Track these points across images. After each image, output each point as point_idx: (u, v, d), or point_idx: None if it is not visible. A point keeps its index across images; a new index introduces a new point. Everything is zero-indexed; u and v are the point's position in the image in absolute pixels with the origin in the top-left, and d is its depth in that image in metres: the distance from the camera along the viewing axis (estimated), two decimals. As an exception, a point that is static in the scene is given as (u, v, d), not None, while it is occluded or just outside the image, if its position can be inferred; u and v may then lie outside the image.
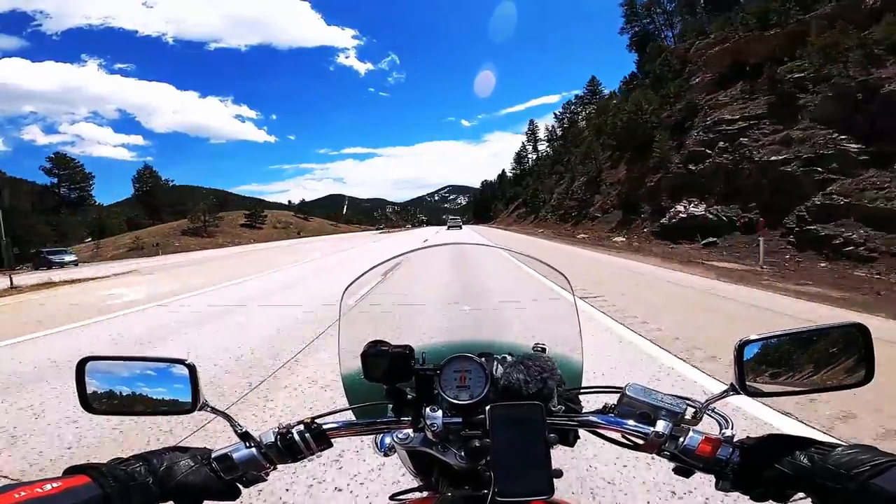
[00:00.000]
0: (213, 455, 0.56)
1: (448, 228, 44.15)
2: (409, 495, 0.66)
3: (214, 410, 0.59)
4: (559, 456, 1.18)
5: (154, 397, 0.60)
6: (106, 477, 0.46)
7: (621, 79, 44.36)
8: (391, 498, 0.67)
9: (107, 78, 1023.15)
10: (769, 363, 0.57)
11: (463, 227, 50.42)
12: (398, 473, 1.94)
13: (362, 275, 0.83)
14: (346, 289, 0.81)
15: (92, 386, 0.59)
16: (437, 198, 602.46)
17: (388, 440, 0.64)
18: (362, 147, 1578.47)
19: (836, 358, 0.56)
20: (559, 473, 0.51)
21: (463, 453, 0.56)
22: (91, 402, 0.59)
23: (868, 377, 0.54)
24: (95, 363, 0.60)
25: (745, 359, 0.55)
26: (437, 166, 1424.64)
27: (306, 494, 1.88)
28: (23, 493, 0.40)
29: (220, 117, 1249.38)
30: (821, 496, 0.45)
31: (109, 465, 0.49)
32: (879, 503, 0.41)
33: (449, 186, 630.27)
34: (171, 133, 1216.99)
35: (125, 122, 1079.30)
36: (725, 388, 0.57)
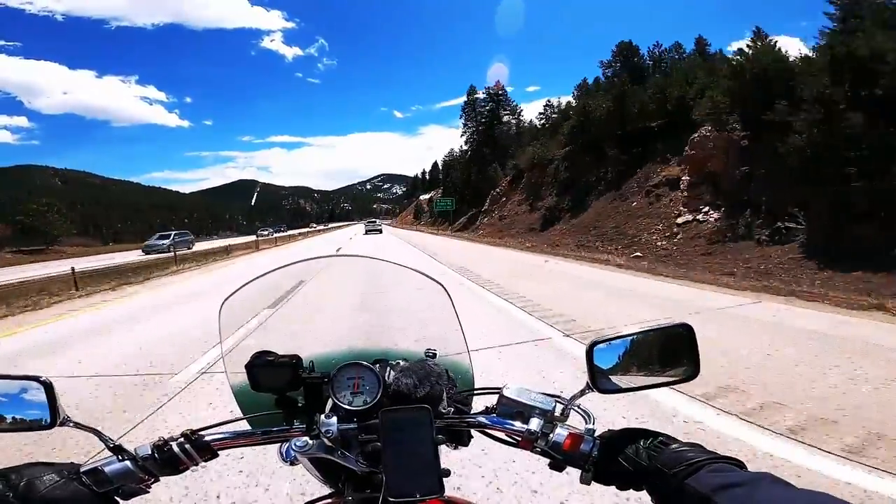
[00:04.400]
0: (83, 469, 0.57)
1: (366, 233, 44.20)
2: (321, 503, 0.70)
3: (78, 425, 0.61)
4: (475, 456, 1.72)
5: (8, 414, 0.61)
6: None
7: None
8: None
9: None
10: (616, 362, 0.64)
11: (384, 230, 50.15)
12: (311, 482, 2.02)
13: (240, 287, 0.84)
14: (224, 301, 0.82)
15: None
16: (369, 187, 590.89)
17: (291, 451, 0.67)
18: (291, 136, 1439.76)
19: (670, 355, 0.66)
20: (447, 473, 0.57)
21: (361, 457, 0.62)
22: None
23: (696, 370, 0.64)
24: None
25: (594, 359, 0.63)
26: (371, 157, 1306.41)
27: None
28: None
29: (122, 98, 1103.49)
30: (654, 494, 0.51)
31: None
32: (691, 502, 0.45)
33: (383, 175, 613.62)
34: (63, 115, 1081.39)
35: (6, 103, 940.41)
36: (583, 387, 0.64)
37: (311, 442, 0.63)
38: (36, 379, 0.61)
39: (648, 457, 0.53)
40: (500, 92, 56.26)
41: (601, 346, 0.64)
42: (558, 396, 0.67)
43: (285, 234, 57.27)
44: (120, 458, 0.61)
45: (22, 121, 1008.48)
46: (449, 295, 0.86)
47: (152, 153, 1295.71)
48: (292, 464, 0.69)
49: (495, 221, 35.97)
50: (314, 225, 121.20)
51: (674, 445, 0.53)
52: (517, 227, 30.34)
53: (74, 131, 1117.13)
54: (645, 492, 0.54)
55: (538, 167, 32.03)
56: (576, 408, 0.66)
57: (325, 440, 0.62)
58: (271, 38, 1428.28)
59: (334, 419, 0.63)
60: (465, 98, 57.21)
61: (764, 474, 0.45)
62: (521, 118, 55.61)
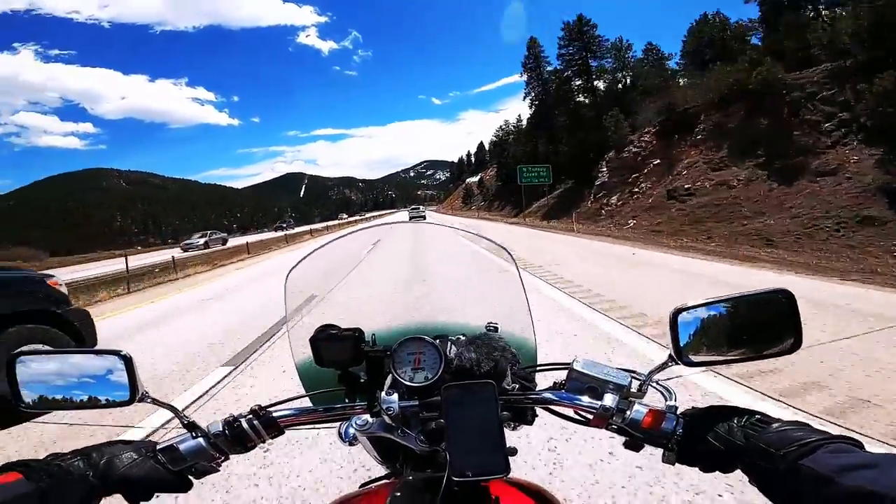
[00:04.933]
0: (159, 447, 0.58)
1: (410, 219, 41.69)
2: (378, 483, 0.70)
3: (156, 402, 0.62)
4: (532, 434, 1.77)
5: (89, 390, 0.62)
6: (39, 472, 0.47)
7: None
8: (361, 486, 0.72)
9: (43, 66, 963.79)
10: (702, 331, 0.59)
11: (427, 215, 48.89)
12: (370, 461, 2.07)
13: (305, 257, 0.86)
14: (289, 272, 0.83)
15: (24, 381, 0.62)
16: (412, 174, 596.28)
17: (350, 430, 0.67)
18: (333, 128, 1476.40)
19: (766, 324, 0.59)
20: (514, 451, 0.55)
21: (422, 436, 0.60)
22: (24, 398, 0.61)
23: (797, 342, 0.58)
24: (28, 357, 0.62)
25: (679, 328, 0.58)
26: (412, 145, 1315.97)
27: (273, 484, 2.03)
28: None
29: (175, 100, 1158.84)
30: (752, 474, 0.48)
31: (44, 461, 0.50)
32: (808, 484, 0.42)
33: (426, 162, 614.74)
34: (124, 119, 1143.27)
35: (70, 110, 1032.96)
36: (665, 359, 0.60)
37: (371, 420, 0.62)
38: (117, 353, 0.61)
39: (745, 436, 0.50)
40: (587, 28, 38.46)
41: (686, 314, 0.59)
42: (633, 371, 0.63)
43: (292, 230, 46.40)
44: (194, 434, 0.61)
45: (88, 126, 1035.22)
46: (516, 263, 0.85)
47: (207, 152, 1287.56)
48: (351, 444, 0.69)
49: (637, 202, 21.54)
50: (343, 216, 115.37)
51: (775, 425, 0.49)
52: (717, 214, 15.64)
53: (135, 134, 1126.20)
54: (729, 474, 0.52)
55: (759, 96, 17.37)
56: (654, 384, 0.63)
57: (386, 418, 0.61)
58: (306, 33, 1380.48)
59: (395, 396, 0.61)
60: (524, 55, 45.43)
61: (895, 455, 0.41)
62: (627, 60, 38.87)
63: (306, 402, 0.72)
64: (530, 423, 0.68)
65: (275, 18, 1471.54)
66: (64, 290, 3.85)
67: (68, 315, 3.68)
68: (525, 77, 45.63)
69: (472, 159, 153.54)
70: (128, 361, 0.61)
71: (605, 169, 26.63)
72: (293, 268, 0.83)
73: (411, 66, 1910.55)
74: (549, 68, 44.33)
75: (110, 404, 0.63)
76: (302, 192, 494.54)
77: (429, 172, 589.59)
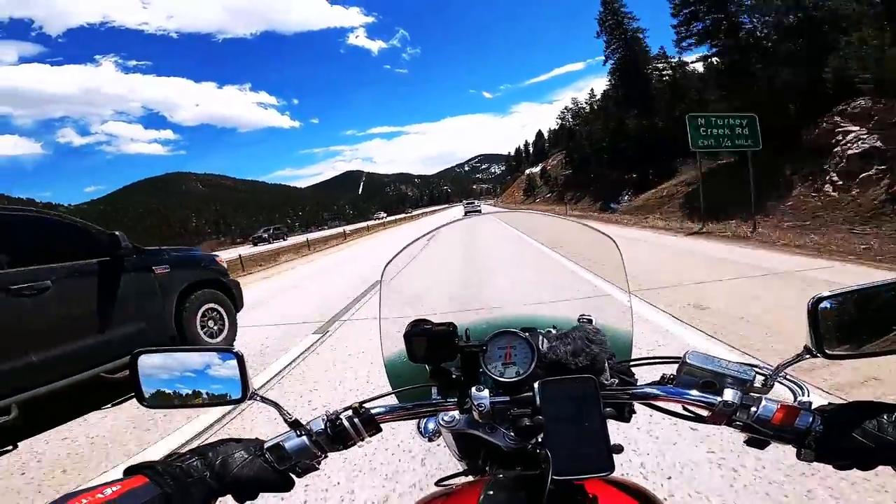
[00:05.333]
0: (266, 445, 0.59)
1: (465, 214, 37.93)
2: (456, 479, 0.68)
3: (264, 399, 0.63)
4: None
5: (204, 388, 0.64)
6: (163, 476, 0.49)
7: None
8: (437, 483, 0.69)
9: (124, 77, 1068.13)
10: (844, 322, 0.55)
11: (483, 210, 46.11)
12: (444, 458, 2.01)
13: (401, 251, 0.86)
14: (385, 266, 0.82)
15: (145, 379, 0.64)
16: (467, 168, 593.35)
17: (431, 424, 0.67)
18: (388, 126, 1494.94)
19: None
20: (619, 449, 0.52)
21: (512, 433, 0.57)
22: (145, 396, 0.64)
23: None
24: (147, 357, 0.64)
25: (819, 318, 0.54)
26: (465, 140, 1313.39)
27: (350, 480, 2.02)
28: (84, 501, 0.43)
29: (242, 106, 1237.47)
30: None
31: (165, 462, 0.52)
32: None
33: (480, 156, 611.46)
34: (199, 125, 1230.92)
35: (152, 118, 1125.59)
36: (799, 351, 0.56)
37: (458, 417, 0.61)
38: (230, 351, 0.63)
39: None
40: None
41: (828, 303, 0.55)
42: (756, 366, 0.59)
43: (283, 241, 38.11)
44: (297, 433, 0.61)
45: (168, 133, 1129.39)
46: (620, 251, 0.83)
47: (273, 153, 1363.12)
48: (430, 439, 0.69)
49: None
50: (382, 215, 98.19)
51: None
52: None
53: (210, 139, 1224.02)
54: (869, 471, 0.50)
55: None
56: (783, 378, 0.59)
57: (475, 414, 0.59)
58: (355, 34, 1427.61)
59: (486, 392, 0.59)
60: (599, 12, 35.51)
61: None
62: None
63: (393, 398, 0.72)
64: (627, 420, 0.65)
65: (324, 22, 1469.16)
66: (225, 265, 5.22)
67: (229, 283, 4.96)
68: (603, 37, 35.49)
69: (531, 149, 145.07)
70: (240, 359, 0.62)
71: (851, 130, 13.67)
72: (389, 262, 0.84)
73: (460, 61, 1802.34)
74: (633, 25, 35.06)
75: (223, 402, 0.64)
76: (360, 190, 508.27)
77: (483, 166, 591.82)
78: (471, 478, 0.68)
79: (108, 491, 0.45)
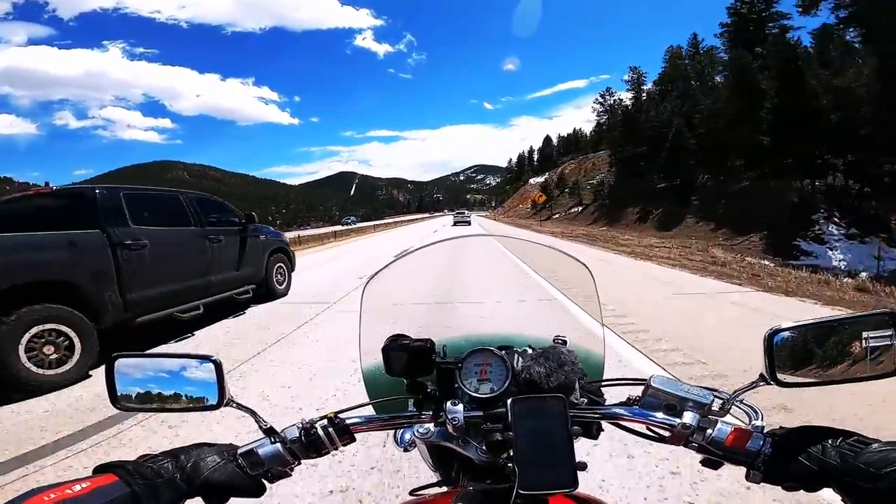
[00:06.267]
0: (240, 451, 0.61)
1: (454, 224, 40.96)
2: (429, 490, 0.71)
3: (240, 406, 0.65)
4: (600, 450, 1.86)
5: (181, 393, 0.65)
6: (133, 475, 0.50)
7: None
8: (411, 493, 0.71)
9: (129, 63, 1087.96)
10: (798, 353, 0.60)
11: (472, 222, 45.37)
12: (418, 468, 2.04)
13: (384, 267, 0.91)
14: (366, 283, 0.87)
15: (121, 382, 0.65)
16: (462, 178, 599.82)
17: (407, 435, 0.70)
18: (388, 130, 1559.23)
19: (868, 347, 0.59)
20: (583, 466, 0.55)
21: (484, 447, 0.61)
22: (120, 399, 0.65)
23: None
24: (125, 360, 0.66)
25: (774, 348, 0.59)
26: (463, 149, 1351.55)
27: (326, 490, 2.01)
28: (52, 496, 0.44)
29: (243, 99, 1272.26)
30: (850, 493, 0.48)
31: (137, 462, 0.53)
32: None
33: (476, 166, 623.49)
34: (198, 116, 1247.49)
35: (152, 106, 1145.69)
36: (755, 378, 0.60)
37: (433, 429, 0.63)
38: (208, 358, 0.64)
39: (841, 456, 0.51)
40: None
41: (784, 334, 0.60)
42: (715, 390, 0.63)
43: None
44: (272, 440, 0.63)
45: (166, 122, 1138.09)
46: (593, 277, 0.89)
47: (270, 149, 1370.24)
48: (406, 450, 0.73)
49: None
50: (352, 219, 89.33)
51: (875, 445, 0.50)
52: None
53: (208, 130, 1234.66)
54: (817, 492, 0.53)
55: None
56: (739, 403, 0.63)
57: (449, 427, 0.62)
58: (363, 36, 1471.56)
59: (460, 407, 0.62)
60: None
61: None
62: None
63: (370, 409, 0.74)
64: (595, 437, 0.68)
65: (333, 21, 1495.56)
66: (287, 239, 7.92)
67: (289, 251, 7.53)
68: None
69: (537, 155, 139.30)
70: (218, 366, 0.64)
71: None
72: (370, 278, 0.90)
73: (464, 70, 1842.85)
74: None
75: (199, 407, 0.65)
76: (352, 191, 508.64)
77: (479, 177, 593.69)
78: (445, 489, 0.70)
79: (77, 487, 0.46)
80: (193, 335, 5.04)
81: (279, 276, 7.06)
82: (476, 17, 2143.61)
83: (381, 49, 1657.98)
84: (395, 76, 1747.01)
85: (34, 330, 3.37)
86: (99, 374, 3.71)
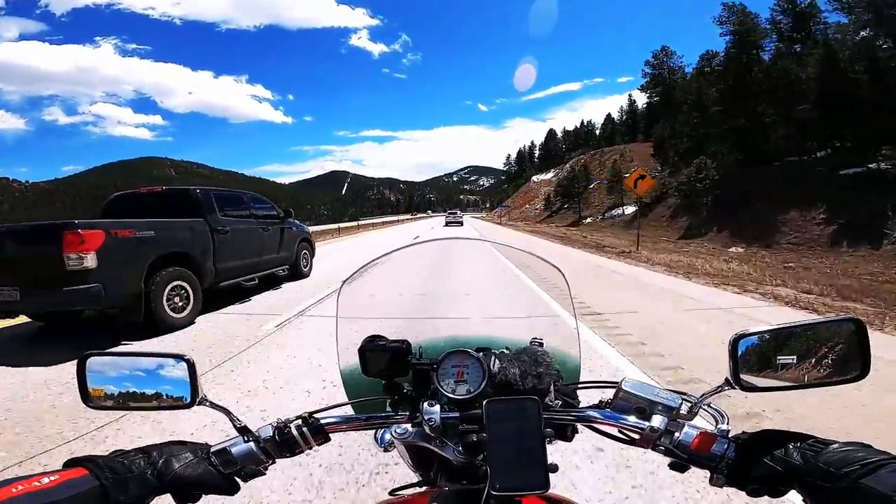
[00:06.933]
0: (213, 449, 0.61)
1: (446, 224, 41.30)
2: (409, 490, 0.72)
3: (213, 405, 0.65)
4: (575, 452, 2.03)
5: (154, 392, 0.66)
6: (103, 469, 0.51)
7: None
8: (391, 493, 0.73)
9: (121, 59, 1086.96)
10: (763, 358, 0.62)
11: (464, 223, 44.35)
12: (399, 468, 2.11)
13: (360, 269, 0.92)
14: (342, 284, 0.88)
15: (92, 381, 0.65)
16: (455, 178, 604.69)
17: (387, 435, 0.70)
18: (381, 130, 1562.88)
19: (831, 352, 0.61)
20: (554, 468, 0.55)
21: (460, 448, 0.61)
22: (91, 398, 0.65)
23: (864, 371, 0.60)
24: (97, 358, 0.66)
25: (739, 353, 0.61)
26: (457, 150, 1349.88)
27: (306, 489, 2.06)
28: (20, 488, 0.44)
29: (236, 97, 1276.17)
30: (811, 494, 0.49)
31: (108, 457, 0.54)
32: (869, 503, 0.44)
33: (470, 167, 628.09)
34: (190, 113, 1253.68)
35: (143, 103, 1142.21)
36: (720, 383, 0.61)
37: (410, 429, 0.64)
38: (181, 357, 0.65)
39: (803, 457, 0.51)
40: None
41: (749, 339, 0.62)
42: (684, 394, 0.65)
43: None
44: (245, 438, 0.64)
45: (157, 119, 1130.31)
46: (566, 280, 0.90)
47: (263, 147, 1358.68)
48: (386, 450, 0.75)
49: None
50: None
51: (834, 446, 0.51)
52: None
53: (199, 128, 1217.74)
54: (782, 497, 0.54)
55: None
56: (706, 406, 0.64)
57: (426, 428, 0.62)
58: (358, 35, 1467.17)
59: (437, 407, 0.63)
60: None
61: None
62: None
63: (349, 409, 0.75)
64: (569, 439, 0.69)
65: (329, 20, 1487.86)
66: (311, 231, 9.72)
67: (312, 241, 9.34)
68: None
69: (538, 151, 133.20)
70: (191, 365, 0.64)
71: None
72: (347, 279, 0.90)
73: (459, 71, 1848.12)
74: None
75: (172, 406, 0.66)
76: (343, 191, 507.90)
77: (472, 178, 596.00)
78: (423, 489, 0.72)
79: (45, 480, 0.46)
80: (250, 300, 6.75)
81: (304, 260, 8.82)
82: (472, 19, 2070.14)
83: (377, 49, 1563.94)
84: (389, 76, 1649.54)
85: (171, 285, 5.10)
86: (200, 319, 5.44)
